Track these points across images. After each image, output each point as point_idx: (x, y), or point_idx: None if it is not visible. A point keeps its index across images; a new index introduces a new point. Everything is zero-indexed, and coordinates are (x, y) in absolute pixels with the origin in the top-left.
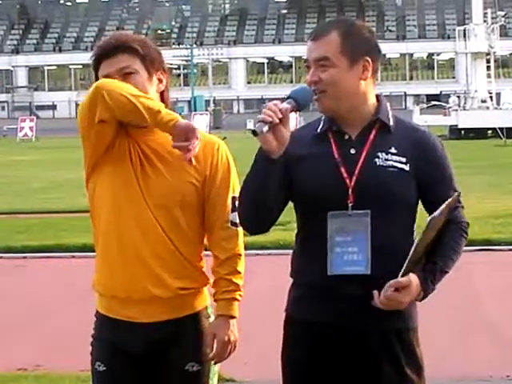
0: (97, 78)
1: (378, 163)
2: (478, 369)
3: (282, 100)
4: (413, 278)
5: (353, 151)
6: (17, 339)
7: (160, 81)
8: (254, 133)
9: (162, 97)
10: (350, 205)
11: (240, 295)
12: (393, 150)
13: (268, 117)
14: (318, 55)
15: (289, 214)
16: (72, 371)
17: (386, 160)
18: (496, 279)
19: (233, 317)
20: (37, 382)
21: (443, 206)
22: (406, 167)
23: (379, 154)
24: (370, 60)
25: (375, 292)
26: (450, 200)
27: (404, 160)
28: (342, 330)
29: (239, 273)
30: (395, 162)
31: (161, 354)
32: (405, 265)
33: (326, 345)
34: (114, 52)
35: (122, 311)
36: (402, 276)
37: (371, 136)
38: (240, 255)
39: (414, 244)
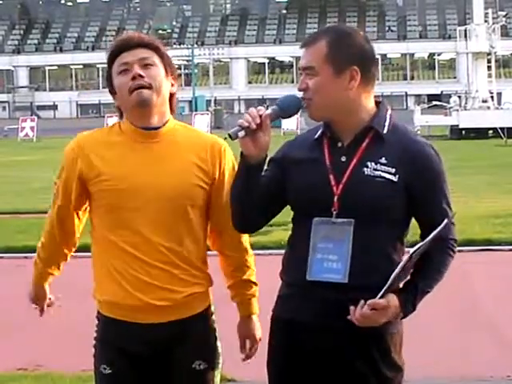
0: (110, 73)
1: (366, 172)
2: (478, 369)
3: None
4: (391, 300)
5: (343, 159)
6: (17, 339)
7: (172, 84)
8: (230, 137)
9: (171, 101)
10: (335, 212)
11: (257, 290)
12: (383, 160)
13: (245, 122)
14: (304, 64)
15: (290, 214)
16: (72, 371)
17: (375, 170)
18: (496, 279)
19: (255, 314)
20: (37, 382)
21: (429, 237)
22: (395, 178)
23: (368, 163)
24: (358, 69)
25: (352, 308)
26: (437, 230)
27: (393, 171)
28: (319, 330)
29: (253, 270)
30: (383, 172)
31: (167, 354)
32: (385, 286)
33: (304, 344)
34: (136, 46)
35: (125, 313)
36: (382, 296)
37: (363, 144)
38: (251, 254)
39: (396, 270)
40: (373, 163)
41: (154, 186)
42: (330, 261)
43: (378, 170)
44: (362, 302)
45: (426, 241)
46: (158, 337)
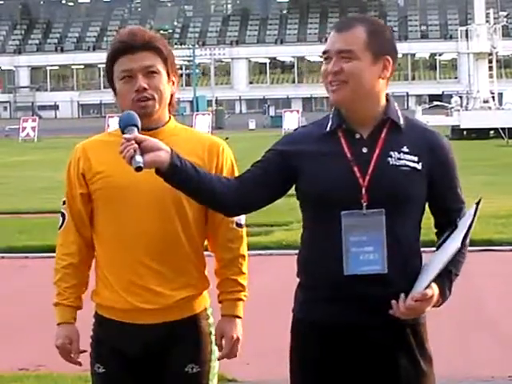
0: (111, 72)
1: (390, 162)
2: (479, 369)
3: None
4: (435, 289)
5: (365, 150)
6: (18, 339)
7: (173, 83)
8: (140, 169)
9: (171, 99)
10: (365, 204)
11: (245, 296)
12: (405, 149)
13: (131, 150)
14: (342, 47)
15: (291, 214)
16: (73, 371)
17: (399, 159)
18: (498, 279)
19: (238, 317)
20: (38, 382)
21: (469, 221)
22: (419, 166)
23: (391, 153)
24: (390, 60)
25: (393, 302)
26: (473, 212)
27: (416, 159)
28: (357, 328)
29: (244, 273)
30: (408, 161)
31: (160, 356)
32: (433, 276)
33: (341, 344)
34: (139, 48)
35: (119, 314)
36: (426, 288)
37: (382, 135)
38: (244, 256)
39: (444, 262)
40: (396, 153)
41: (149, 184)
42: (366, 253)
43: (402, 159)
44: (402, 295)
45: (472, 223)
46: (152, 337)
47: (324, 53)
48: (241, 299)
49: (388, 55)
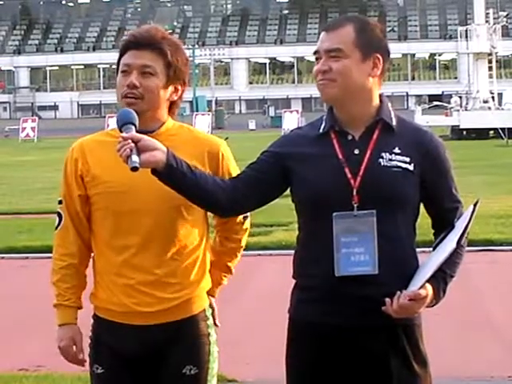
0: (119, 64)
1: (382, 163)
2: (479, 369)
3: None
4: (429, 289)
5: (356, 151)
6: (18, 340)
7: (176, 90)
8: (135, 169)
9: (172, 107)
10: (355, 205)
11: (228, 279)
12: (396, 150)
13: (127, 150)
14: (330, 46)
15: (291, 214)
16: (73, 372)
17: (390, 160)
18: (497, 279)
19: (214, 296)
20: (38, 383)
21: (467, 220)
22: (410, 167)
23: (383, 154)
24: (380, 58)
25: (387, 300)
26: (470, 213)
27: (408, 160)
28: (350, 330)
29: (237, 257)
30: (399, 162)
31: (158, 357)
32: (424, 279)
33: (335, 345)
34: (144, 46)
35: (118, 316)
36: (420, 287)
37: (374, 136)
38: (243, 246)
39: (439, 263)
40: (387, 154)
41: (148, 189)
42: (357, 254)
43: (394, 160)
44: (399, 293)
45: (468, 224)
46: (150, 338)
47: (315, 53)
48: (224, 283)
49: (378, 53)
